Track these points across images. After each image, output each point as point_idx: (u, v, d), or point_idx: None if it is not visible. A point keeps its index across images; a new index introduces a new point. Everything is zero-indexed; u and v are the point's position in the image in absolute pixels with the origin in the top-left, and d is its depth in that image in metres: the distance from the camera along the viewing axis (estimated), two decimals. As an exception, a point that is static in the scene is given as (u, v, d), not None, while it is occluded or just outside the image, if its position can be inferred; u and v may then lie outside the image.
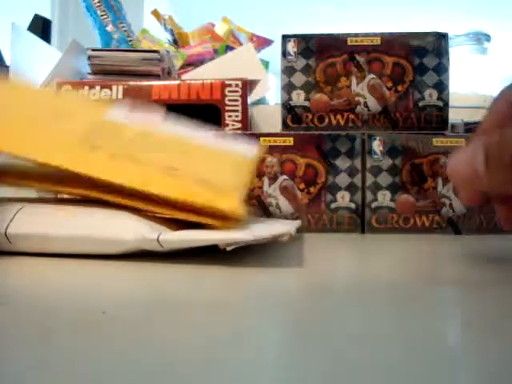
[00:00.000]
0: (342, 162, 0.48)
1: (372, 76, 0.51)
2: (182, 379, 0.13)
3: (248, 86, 0.66)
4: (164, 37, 1.11)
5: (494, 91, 0.49)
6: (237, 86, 0.64)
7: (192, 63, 1.02)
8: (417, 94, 0.51)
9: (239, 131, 0.62)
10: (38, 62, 0.90)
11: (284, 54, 0.53)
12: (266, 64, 1.11)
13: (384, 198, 0.48)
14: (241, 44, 1.10)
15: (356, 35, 0.51)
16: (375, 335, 0.17)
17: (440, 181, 0.48)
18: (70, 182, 0.33)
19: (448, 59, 0.51)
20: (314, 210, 0.48)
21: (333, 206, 0.48)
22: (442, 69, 0.51)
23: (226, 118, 0.64)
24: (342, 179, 0.48)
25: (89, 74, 0.85)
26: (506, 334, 0.17)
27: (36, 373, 0.13)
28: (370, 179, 0.48)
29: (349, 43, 0.51)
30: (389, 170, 0.48)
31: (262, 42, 1.17)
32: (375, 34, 0.51)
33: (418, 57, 0.51)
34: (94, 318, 0.18)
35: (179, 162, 0.34)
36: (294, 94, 0.53)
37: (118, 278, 0.27)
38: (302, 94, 0.52)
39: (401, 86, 0.51)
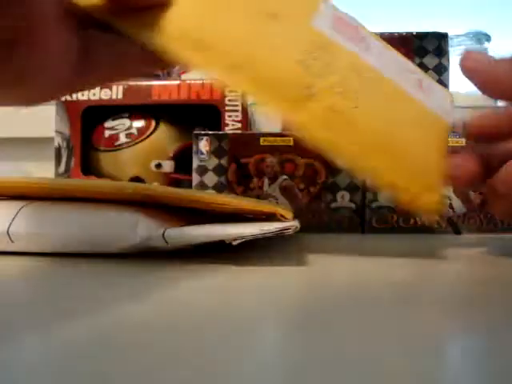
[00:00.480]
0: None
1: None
2: (182, 380, 0.13)
3: (248, 85, 0.66)
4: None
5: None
6: (237, 85, 0.64)
7: (192, 63, 1.02)
8: (417, 93, 0.51)
9: (239, 131, 0.62)
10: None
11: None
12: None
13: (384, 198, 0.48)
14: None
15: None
16: (375, 335, 0.17)
17: (440, 181, 0.48)
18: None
19: (448, 59, 0.51)
20: (313, 210, 0.48)
21: (333, 205, 0.48)
22: (441, 69, 0.51)
23: (226, 117, 0.64)
24: (342, 179, 0.48)
25: (89, 73, 0.85)
26: (506, 333, 0.17)
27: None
28: (370, 179, 0.48)
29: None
30: (389, 169, 0.48)
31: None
32: (375, 34, 0.51)
33: (418, 57, 0.51)
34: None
35: (391, 122, 0.28)
36: (294, 94, 0.53)
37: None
38: (302, 94, 0.52)
39: (401, 85, 0.51)
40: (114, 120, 0.70)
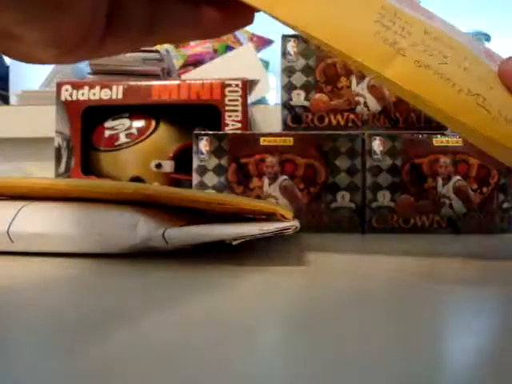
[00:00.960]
0: (341, 162, 0.48)
1: (372, 76, 0.51)
2: (183, 381, 0.13)
3: (248, 86, 0.66)
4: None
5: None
6: (237, 86, 0.64)
7: (192, 63, 1.02)
8: (417, 93, 0.51)
9: (239, 131, 0.62)
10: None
11: (284, 53, 0.53)
12: (265, 64, 1.11)
13: (384, 197, 0.48)
14: (241, 44, 1.10)
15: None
16: (375, 335, 0.17)
17: (440, 181, 0.48)
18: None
19: (448, 59, 0.51)
20: (313, 210, 0.48)
21: (333, 205, 0.48)
22: (442, 69, 0.51)
23: (226, 117, 0.64)
24: (342, 179, 0.48)
25: (89, 73, 0.85)
26: (506, 333, 0.17)
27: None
28: (369, 179, 0.48)
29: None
30: (389, 169, 0.48)
31: (262, 42, 1.17)
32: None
33: (418, 57, 0.51)
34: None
35: (478, 84, 0.28)
36: (294, 94, 0.53)
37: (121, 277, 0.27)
38: (302, 94, 0.53)
39: (401, 85, 0.51)
40: (114, 120, 0.70)
